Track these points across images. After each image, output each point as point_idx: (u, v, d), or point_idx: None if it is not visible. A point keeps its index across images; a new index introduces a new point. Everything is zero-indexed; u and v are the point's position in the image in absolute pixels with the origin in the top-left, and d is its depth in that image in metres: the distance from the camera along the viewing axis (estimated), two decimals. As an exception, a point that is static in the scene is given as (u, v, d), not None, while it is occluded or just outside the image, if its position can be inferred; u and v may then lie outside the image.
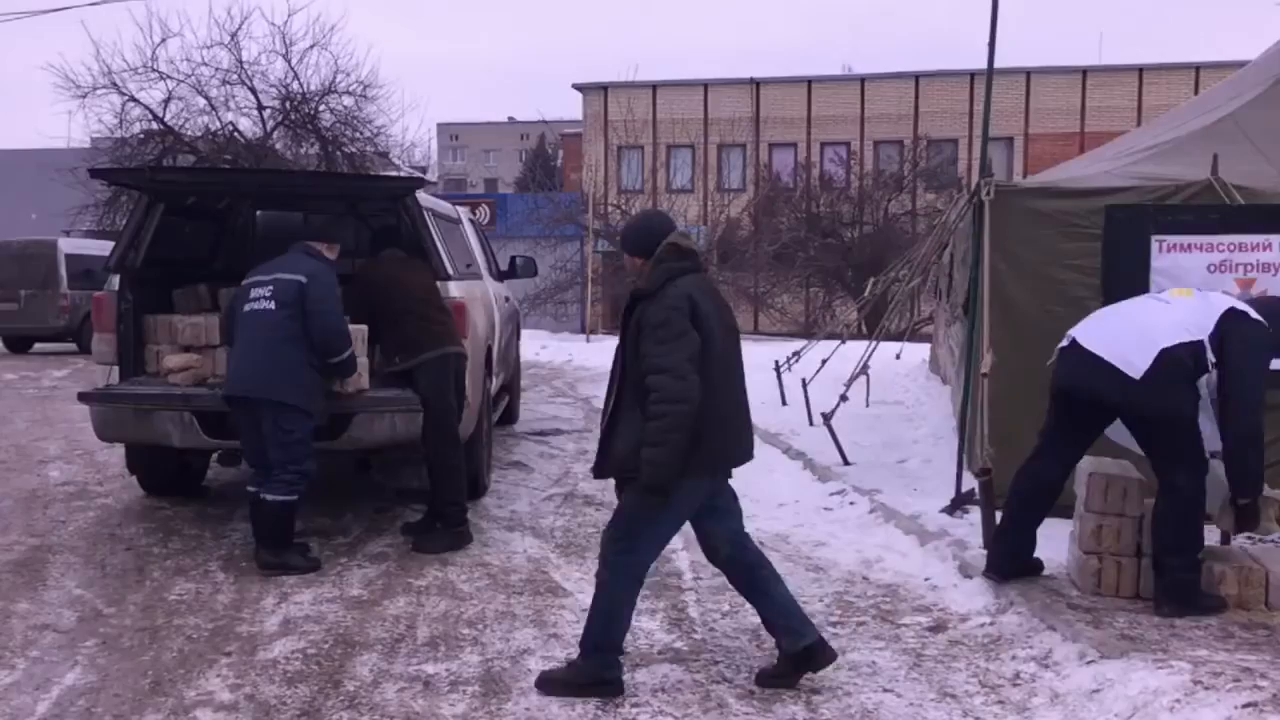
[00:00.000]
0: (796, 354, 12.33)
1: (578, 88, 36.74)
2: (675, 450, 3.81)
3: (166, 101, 22.56)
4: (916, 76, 34.66)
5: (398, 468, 7.89)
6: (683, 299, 3.91)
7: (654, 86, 35.67)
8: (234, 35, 22.40)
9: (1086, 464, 5.14)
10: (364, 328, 6.24)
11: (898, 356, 13.01)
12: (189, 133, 22.96)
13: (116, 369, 6.71)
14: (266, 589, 5.30)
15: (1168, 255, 5.32)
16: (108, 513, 6.86)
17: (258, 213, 8.36)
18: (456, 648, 4.53)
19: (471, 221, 9.35)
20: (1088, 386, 4.78)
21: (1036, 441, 5.05)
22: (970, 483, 6.36)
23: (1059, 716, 3.84)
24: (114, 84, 22.09)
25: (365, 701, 3.98)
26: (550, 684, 4.06)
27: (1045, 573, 5.20)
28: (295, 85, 23.07)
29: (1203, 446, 4.69)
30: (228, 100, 23.04)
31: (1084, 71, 33.93)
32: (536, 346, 18.98)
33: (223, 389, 5.85)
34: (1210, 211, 5.61)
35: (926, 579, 5.50)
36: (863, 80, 35.59)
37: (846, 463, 8.11)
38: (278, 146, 23.18)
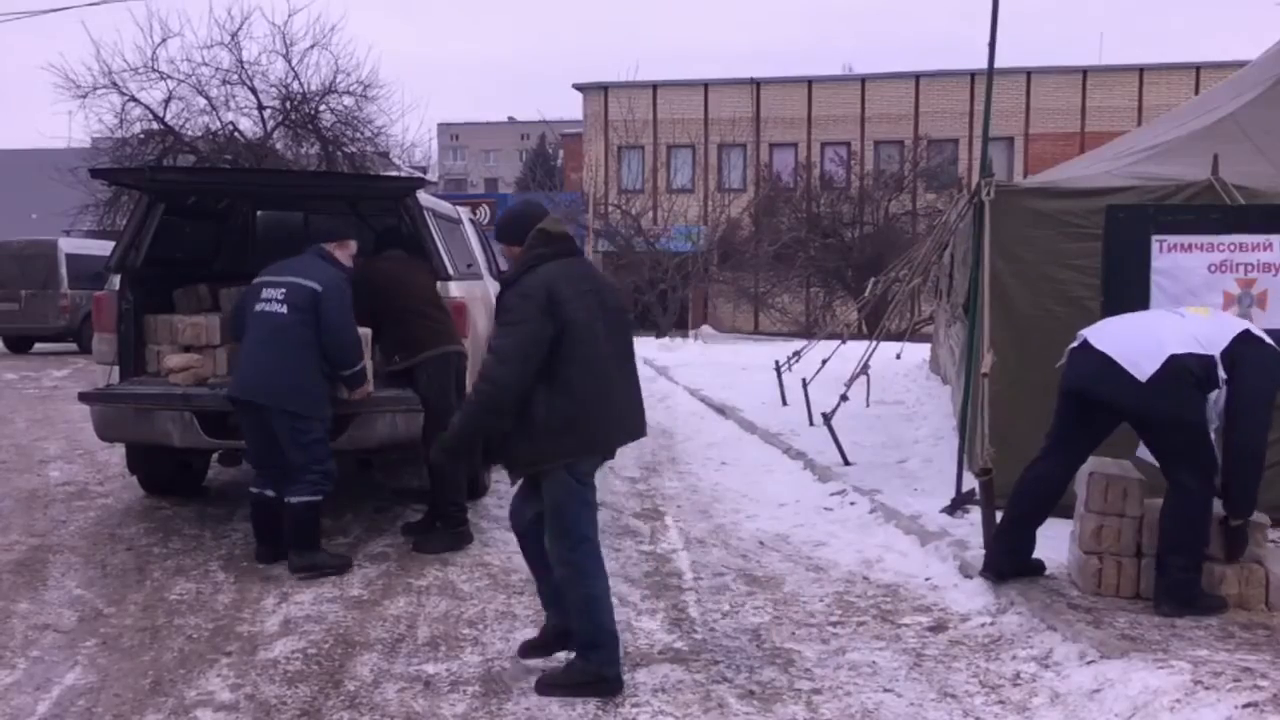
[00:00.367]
0: (797, 354, 12.34)
1: (578, 88, 36.76)
2: (477, 425, 4.07)
3: (167, 101, 22.57)
4: (917, 76, 34.68)
5: (398, 468, 7.88)
6: (538, 287, 3.97)
7: (654, 86, 35.69)
8: (234, 35, 22.41)
9: (1087, 464, 5.14)
10: (369, 331, 6.22)
11: (898, 356, 13.01)
12: (189, 133, 22.95)
13: (117, 369, 6.71)
14: (267, 589, 5.30)
15: (1168, 255, 5.32)
16: (108, 513, 6.86)
17: (258, 213, 8.36)
18: (457, 648, 4.53)
19: (472, 221, 9.35)
20: (1096, 387, 4.78)
21: (1043, 443, 5.04)
22: (971, 482, 6.36)
23: (1059, 716, 3.84)
24: (114, 84, 22.09)
25: (366, 701, 3.99)
26: (550, 686, 4.05)
27: (1046, 573, 5.20)
28: (295, 85, 23.08)
29: (1213, 450, 4.70)
30: (228, 100, 23.05)
31: (1084, 71, 33.95)
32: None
33: (228, 389, 5.83)
34: (1211, 211, 5.60)
35: (927, 579, 5.50)
36: (863, 80, 35.61)
37: (847, 463, 8.11)
38: (278, 146, 23.17)
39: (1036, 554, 5.33)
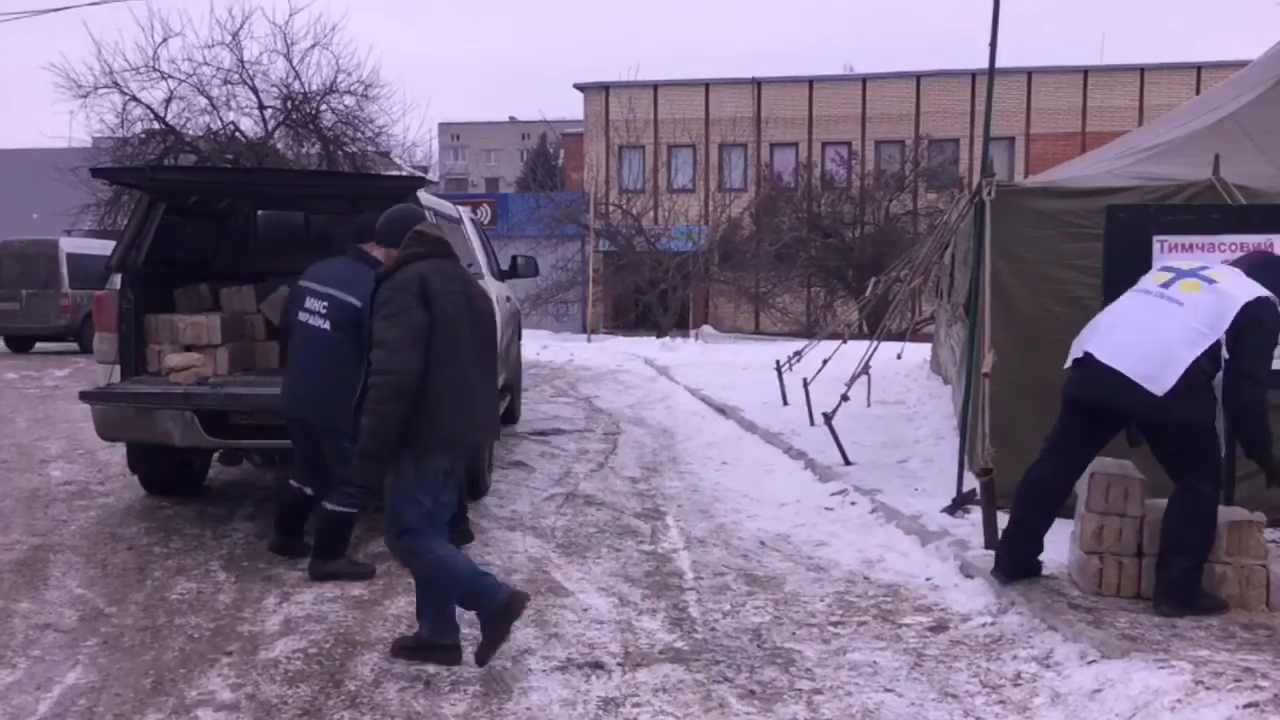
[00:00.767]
0: (798, 354, 12.33)
1: (579, 87, 36.75)
2: (387, 420, 4.03)
3: (168, 101, 22.59)
4: (918, 76, 34.67)
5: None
6: (412, 279, 4.13)
7: (655, 86, 35.68)
8: (235, 35, 22.44)
9: (1088, 464, 5.13)
10: None
11: (899, 356, 13.01)
12: (190, 132, 22.97)
13: (118, 368, 6.72)
14: (268, 589, 5.31)
15: (1169, 255, 5.31)
16: (109, 512, 6.86)
17: (259, 212, 8.36)
18: (457, 647, 4.53)
19: (473, 221, 9.36)
20: (1109, 402, 4.73)
21: (1043, 445, 5.01)
22: (971, 482, 6.36)
23: (1060, 716, 3.84)
24: (115, 83, 22.12)
25: (366, 701, 3.99)
26: (398, 649, 4.31)
27: (1046, 573, 5.20)
28: (296, 85, 23.10)
29: (1220, 450, 4.73)
30: (229, 100, 23.08)
31: (1085, 71, 33.94)
32: (538, 346, 19.00)
33: (279, 403, 5.71)
34: (1212, 211, 5.60)
35: (928, 579, 5.50)
36: (864, 80, 35.60)
37: (848, 462, 8.10)
38: (279, 146, 23.19)
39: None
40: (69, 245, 19.37)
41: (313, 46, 22.81)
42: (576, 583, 5.45)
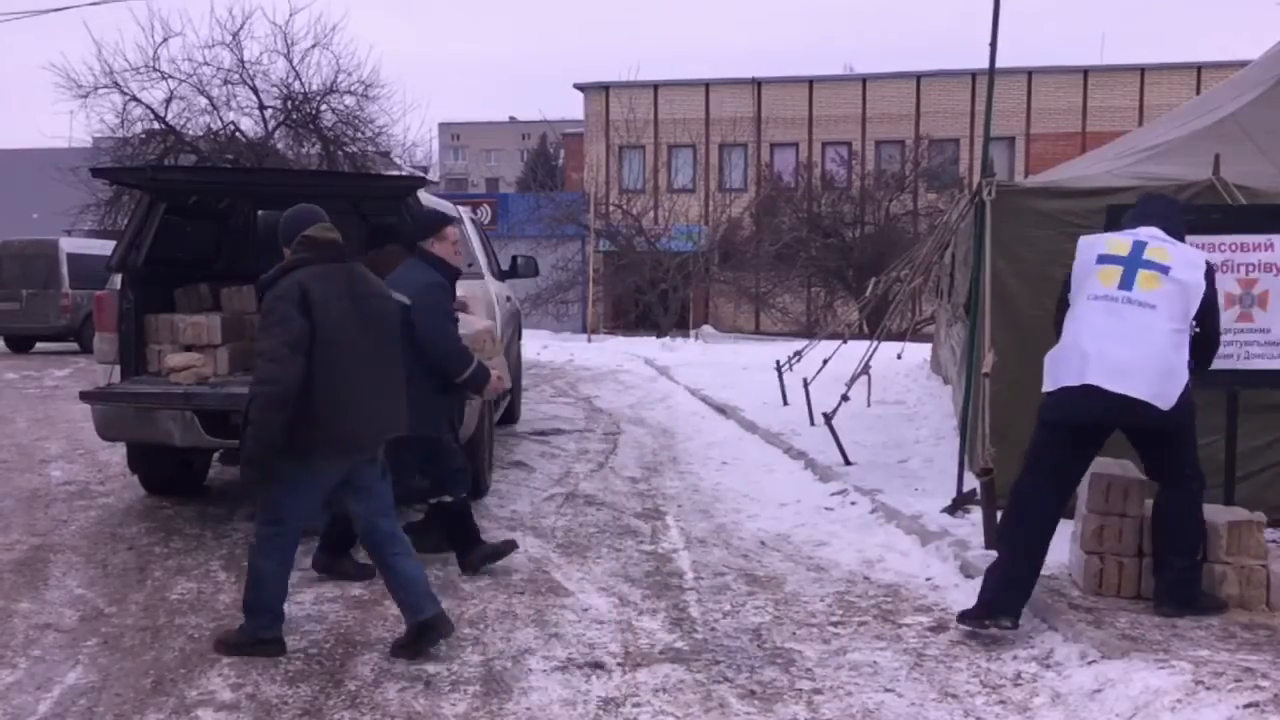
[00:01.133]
0: (798, 354, 12.34)
1: (579, 87, 36.76)
2: (268, 429, 4.12)
3: (168, 101, 22.58)
4: (918, 76, 34.68)
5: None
6: (292, 288, 4.21)
7: (655, 86, 35.68)
8: (235, 35, 22.42)
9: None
10: (492, 325, 5.93)
11: (899, 356, 13.02)
12: (190, 132, 22.97)
13: (118, 368, 6.72)
14: (268, 588, 5.30)
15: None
16: (109, 512, 6.86)
17: (259, 212, 8.36)
18: (457, 647, 4.53)
19: (473, 221, 9.36)
20: (1117, 422, 4.61)
21: (1029, 474, 4.70)
22: (971, 482, 6.36)
23: (1060, 716, 3.84)
24: (116, 83, 22.10)
25: (366, 701, 3.99)
26: (220, 644, 4.42)
27: (1046, 572, 5.20)
28: (297, 85, 23.09)
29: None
30: (229, 100, 23.06)
31: (1085, 71, 33.94)
32: (538, 346, 19.00)
33: None
34: (1212, 211, 5.60)
35: (928, 579, 5.50)
36: (864, 80, 35.61)
37: (848, 463, 8.11)
38: (279, 146, 23.19)
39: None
40: (69, 245, 19.38)
41: (313, 46, 22.82)
42: (577, 583, 5.45)
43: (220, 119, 23.04)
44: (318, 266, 4.32)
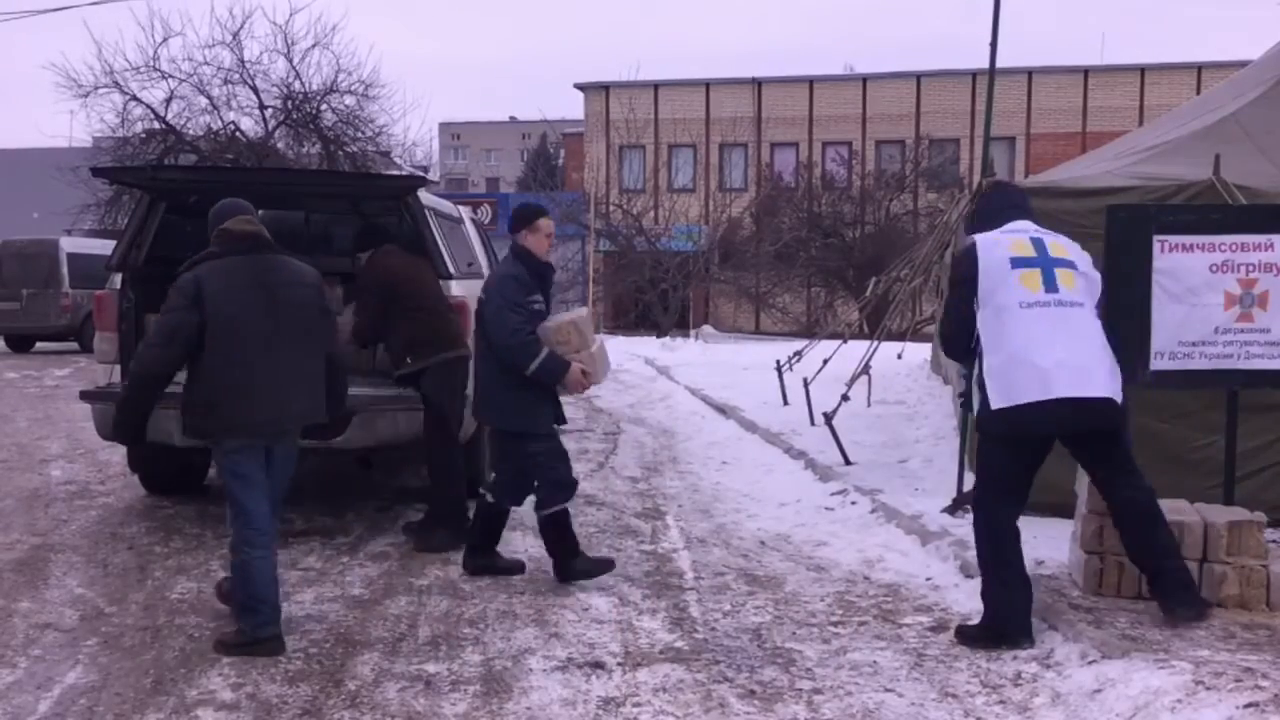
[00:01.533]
0: (798, 354, 12.34)
1: (579, 87, 36.77)
2: (131, 403, 4.51)
3: (168, 101, 22.64)
4: (918, 76, 34.70)
5: (399, 467, 7.89)
6: (189, 282, 4.41)
7: (656, 86, 35.70)
8: (236, 35, 22.50)
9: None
10: (583, 312, 5.73)
11: (899, 356, 13.01)
12: (191, 132, 23.01)
13: (118, 368, 6.72)
14: (268, 588, 5.30)
15: (1169, 255, 5.30)
16: (109, 512, 6.86)
17: (259, 212, 8.34)
18: (458, 647, 4.53)
19: (473, 221, 9.36)
20: (1086, 427, 4.53)
21: (999, 494, 4.59)
22: (972, 482, 6.35)
23: (1060, 716, 3.84)
24: (116, 83, 22.18)
25: (367, 700, 3.99)
26: (220, 645, 4.45)
27: (1046, 572, 5.20)
28: (297, 85, 23.16)
29: None
30: (229, 99, 23.14)
31: (1086, 71, 33.96)
32: (538, 346, 18.95)
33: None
34: (1212, 211, 5.59)
35: (928, 579, 5.50)
36: (864, 80, 35.63)
37: (848, 462, 8.11)
38: (279, 146, 23.23)
39: (1035, 552, 5.33)
40: (69, 245, 19.39)
41: (313, 46, 22.88)
42: (576, 582, 5.44)
43: (220, 119, 23.12)
44: (226, 259, 4.49)
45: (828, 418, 8.33)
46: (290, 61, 22.86)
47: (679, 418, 11.29)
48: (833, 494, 7.45)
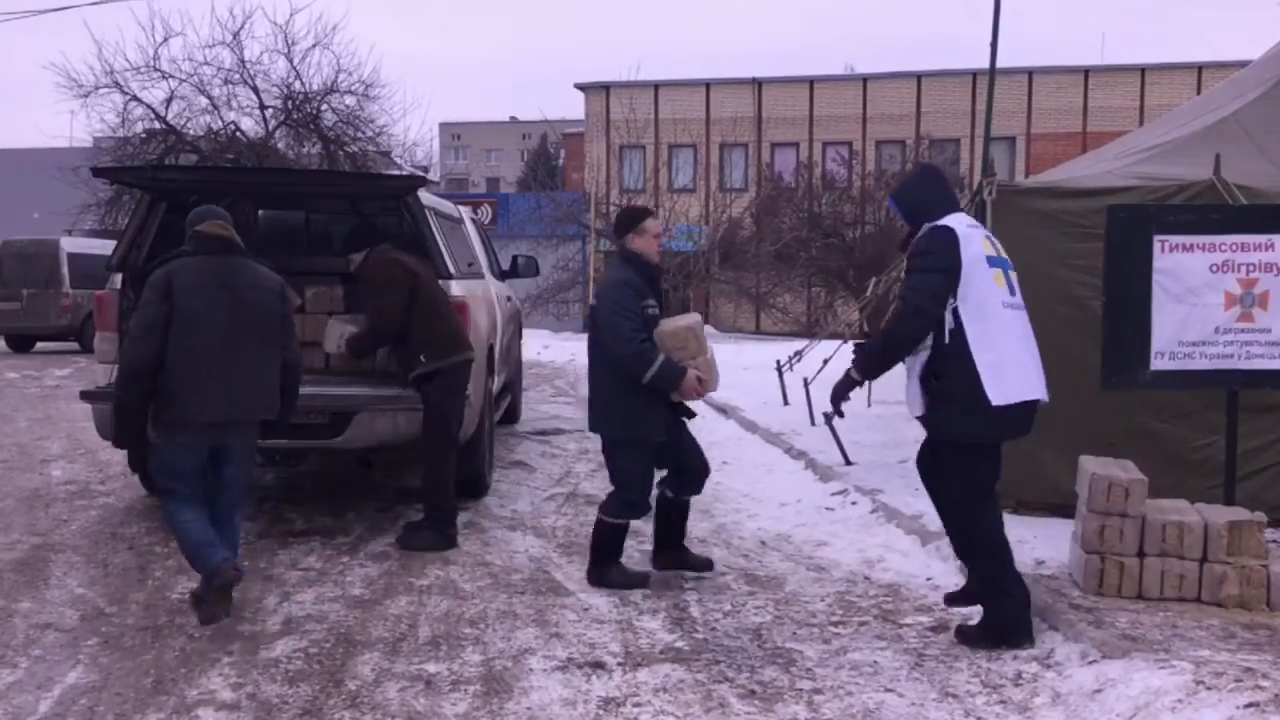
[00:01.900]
0: (798, 353, 12.32)
1: (580, 87, 36.77)
2: (123, 404, 4.75)
3: (169, 101, 22.61)
4: (918, 76, 34.69)
5: (399, 467, 7.89)
6: (160, 278, 4.72)
7: (656, 86, 35.69)
8: (236, 35, 22.46)
9: (1089, 464, 5.13)
10: (696, 317, 5.53)
11: (899, 356, 12.99)
12: (191, 132, 22.99)
13: (118, 368, 6.71)
14: (268, 588, 5.31)
15: (1170, 255, 5.30)
16: (110, 512, 6.86)
17: (259, 212, 8.36)
18: (458, 647, 4.53)
19: (473, 221, 9.36)
20: (1027, 431, 4.59)
21: (991, 503, 4.66)
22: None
23: (1061, 716, 3.84)
24: (116, 83, 22.15)
25: (367, 700, 3.99)
26: (192, 598, 4.71)
27: (1047, 572, 5.20)
28: (297, 85, 23.13)
29: None
30: (230, 100, 23.10)
31: (1086, 71, 33.95)
32: (538, 346, 18.99)
33: None
34: (1212, 212, 5.60)
35: (928, 579, 5.50)
36: (865, 80, 35.63)
37: (848, 462, 8.11)
38: (280, 146, 23.21)
39: (1036, 552, 5.33)
40: (70, 245, 19.38)
41: (313, 46, 22.86)
42: (577, 582, 5.45)
43: (221, 119, 23.09)
44: (196, 259, 4.79)
45: (828, 418, 8.31)
46: (290, 61, 22.86)
47: (679, 418, 11.28)
48: (833, 494, 7.45)
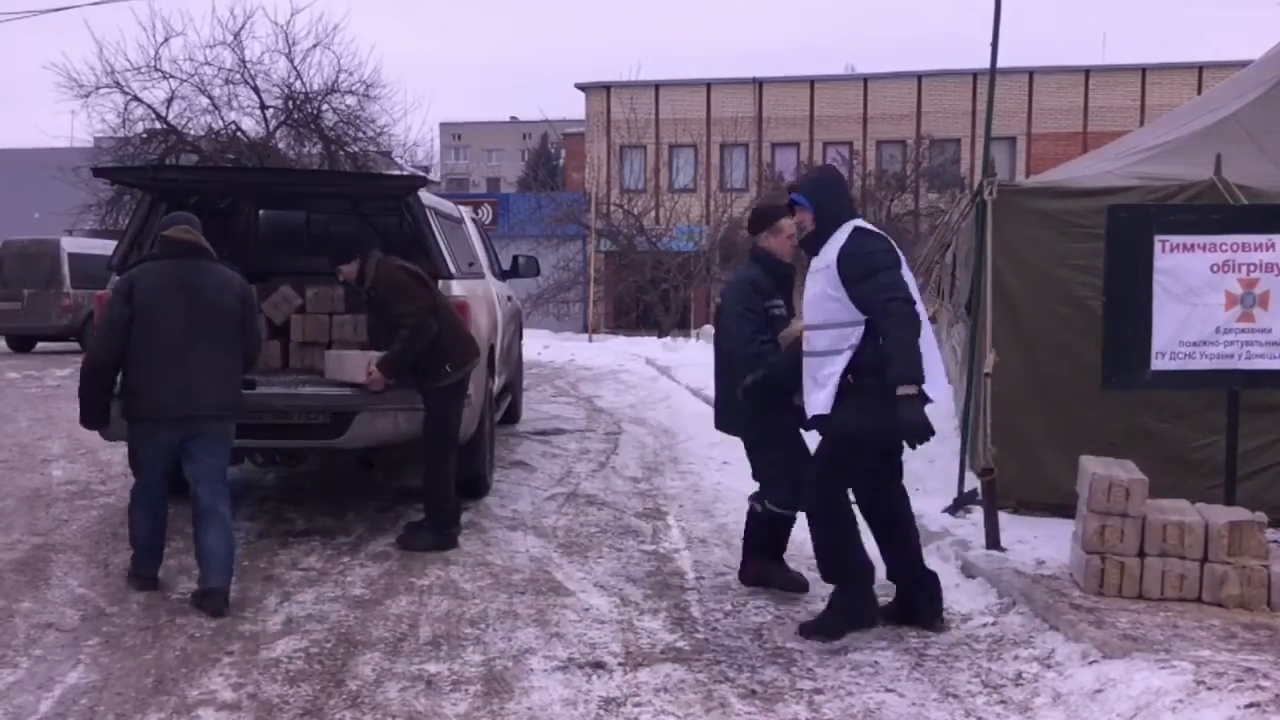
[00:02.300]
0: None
1: (580, 87, 36.75)
2: (85, 393, 5.11)
3: (169, 101, 22.59)
4: (919, 76, 34.67)
5: (400, 467, 7.89)
6: (123, 282, 5.10)
7: (656, 86, 35.67)
8: (237, 35, 22.43)
9: (1090, 464, 5.13)
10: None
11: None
12: (192, 132, 22.98)
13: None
14: (269, 588, 5.31)
15: (1170, 255, 5.30)
16: (110, 512, 6.86)
17: (260, 212, 8.36)
18: (459, 647, 4.54)
19: (474, 221, 9.36)
20: None
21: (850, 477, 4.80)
22: (973, 482, 6.36)
23: (1061, 716, 3.84)
24: (117, 83, 22.12)
25: (367, 700, 3.99)
26: (132, 575, 5.23)
27: (1047, 572, 5.20)
28: (298, 85, 23.10)
29: None
30: (230, 100, 23.07)
31: (1086, 71, 33.93)
32: (539, 346, 18.99)
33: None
34: (1213, 212, 5.60)
35: (929, 579, 5.49)
36: (865, 80, 35.60)
37: (849, 462, 8.07)
38: (280, 146, 23.19)
39: (1036, 552, 5.32)
40: (70, 245, 19.37)
41: (314, 46, 22.83)
42: (578, 582, 5.45)
43: (221, 119, 23.07)
44: (161, 262, 5.12)
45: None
46: (291, 61, 22.83)
47: (680, 418, 11.28)
48: (834, 494, 7.43)
